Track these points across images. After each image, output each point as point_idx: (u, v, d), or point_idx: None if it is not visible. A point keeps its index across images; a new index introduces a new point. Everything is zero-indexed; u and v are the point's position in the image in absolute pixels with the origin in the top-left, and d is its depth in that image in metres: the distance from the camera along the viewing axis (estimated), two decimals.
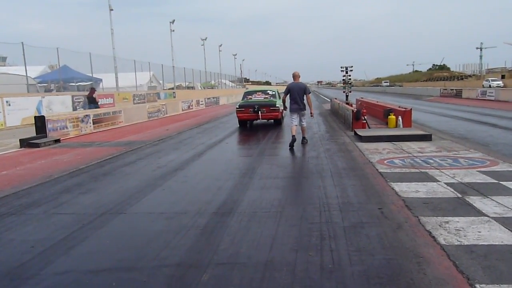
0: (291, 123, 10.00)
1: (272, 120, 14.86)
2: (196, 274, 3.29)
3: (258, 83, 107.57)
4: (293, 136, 9.66)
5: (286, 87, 10.64)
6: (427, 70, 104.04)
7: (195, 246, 3.88)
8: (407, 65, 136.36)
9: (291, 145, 9.52)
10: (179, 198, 5.75)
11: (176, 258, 3.63)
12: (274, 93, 15.55)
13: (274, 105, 14.14)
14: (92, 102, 19.36)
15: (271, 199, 5.36)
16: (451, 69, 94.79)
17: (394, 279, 3.11)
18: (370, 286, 3.03)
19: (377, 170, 6.82)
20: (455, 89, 40.22)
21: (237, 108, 14.63)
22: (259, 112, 13.88)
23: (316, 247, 3.72)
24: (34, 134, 11.99)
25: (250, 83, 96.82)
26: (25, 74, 20.65)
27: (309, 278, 3.16)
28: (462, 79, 66.84)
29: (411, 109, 13.02)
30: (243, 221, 4.52)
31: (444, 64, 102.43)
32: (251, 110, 13.99)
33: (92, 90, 20.35)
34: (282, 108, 12.00)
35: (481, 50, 78.68)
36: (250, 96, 15.54)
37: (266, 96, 15.32)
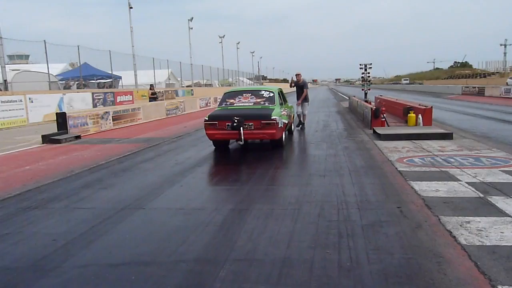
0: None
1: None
2: (214, 269, 3.32)
3: (276, 80, 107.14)
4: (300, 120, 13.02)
5: (306, 83, 13.18)
6: (449, 67, 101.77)
7: (213, 242, 3.91)
8: (428, 62, 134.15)
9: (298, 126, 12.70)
10: (197, 195, 5.80)
11: (194, 254, 3.66)
12: (271, 95, 9.44)
13: (269, 117, 8.31)
14: (151, 96, 22.64)
15: (289, 197, 5.35)
16: (474, 67, 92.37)
17: (413, 278, 3.07)
18: (389, 285, 3.00)
19: (396, 168, 6.73)
20: (478, 87, 39.28)
21: (205, 120, 8.74)
22: (241, 128, 8.21)
23: (334, 245, 3.70)
24: (55, 131, 12.22)
25: (268, 80, 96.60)
26: (47, 72, 21.16)
27: (327, 276, 3.15)
28: (485, 76, 65.12)
29: (431, 107, 12.79)
30: (260, 218, 4.53)
31: (466, 62, 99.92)
32: (228, 125, 8.30)
33: (152, 86, 23.46)
34: (285, 121, 9.15)
35: (505, 46, 76.59)
36: (232, 100, 9.47)
37: (258, 100, 9.31)
